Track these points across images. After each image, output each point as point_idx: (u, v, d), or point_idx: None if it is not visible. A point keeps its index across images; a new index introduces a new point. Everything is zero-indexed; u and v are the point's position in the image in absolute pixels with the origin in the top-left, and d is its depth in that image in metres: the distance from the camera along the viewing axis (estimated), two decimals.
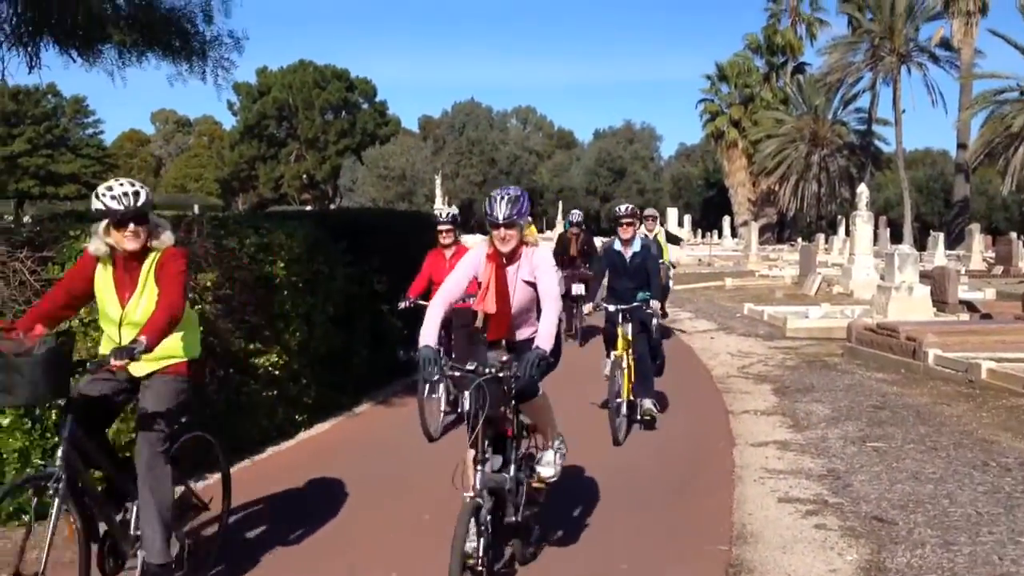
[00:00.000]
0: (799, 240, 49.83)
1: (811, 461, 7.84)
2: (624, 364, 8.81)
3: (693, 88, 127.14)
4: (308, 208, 61.20)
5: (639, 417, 9.05)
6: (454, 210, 9.78)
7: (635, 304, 8.98)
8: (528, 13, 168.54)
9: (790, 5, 62.50)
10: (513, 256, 5.27)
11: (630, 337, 8.98)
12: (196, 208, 49.71)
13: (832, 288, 24.41)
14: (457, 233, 9.32)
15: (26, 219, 7.83)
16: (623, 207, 9.49)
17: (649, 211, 15.41)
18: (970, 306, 18.68)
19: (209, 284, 7.32)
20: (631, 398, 9.01)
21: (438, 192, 57.68)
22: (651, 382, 9.20)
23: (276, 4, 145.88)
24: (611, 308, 9.07)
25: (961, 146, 51.66)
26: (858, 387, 11.26)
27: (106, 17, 9.37)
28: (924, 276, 18.81)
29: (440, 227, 9.30)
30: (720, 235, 60.30)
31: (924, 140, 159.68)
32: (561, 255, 14.93)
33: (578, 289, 14.77)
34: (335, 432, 9.20)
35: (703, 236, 65.21)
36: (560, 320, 5.44)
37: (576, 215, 16.35)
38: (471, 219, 73.84)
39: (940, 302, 17.91)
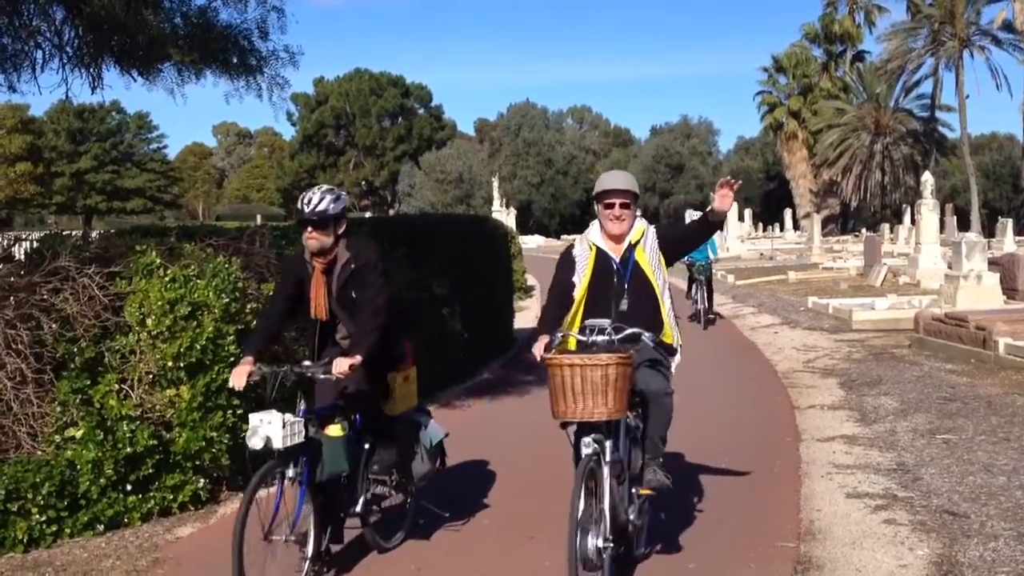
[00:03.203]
0: (863, 231, 49.10)
1: (879, 455, 7.72)
2: None
3: (750, 80, 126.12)
4: (367, 214, 61.81)
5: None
6: None
7: None
8: (581, 12, 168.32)
9: None
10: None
11: None
12: (259, 218, 50.57)
13: (898, 278, 23.98)
14: None
15: (94, 235, 8.03)
16: None
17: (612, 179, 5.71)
18: None
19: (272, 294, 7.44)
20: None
21: (495, 194, 57.83)
22: None
23: (331, 14, 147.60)
24: None
25: None
26: (927, 379, 11.06)
27: (165, 37, 9.56)
28: (993, 263, 18.39)
29: None
30: (782, 228, 59.66)
31: (990, 125, 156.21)
32: None
33: None
34: None
35: (764, 229, 64.53)
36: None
37: None
38: (530, 220, 74.06)
39: (1010, 289, 17.49)
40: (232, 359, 6.61)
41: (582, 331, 5.14)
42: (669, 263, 5.45)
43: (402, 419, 5.80)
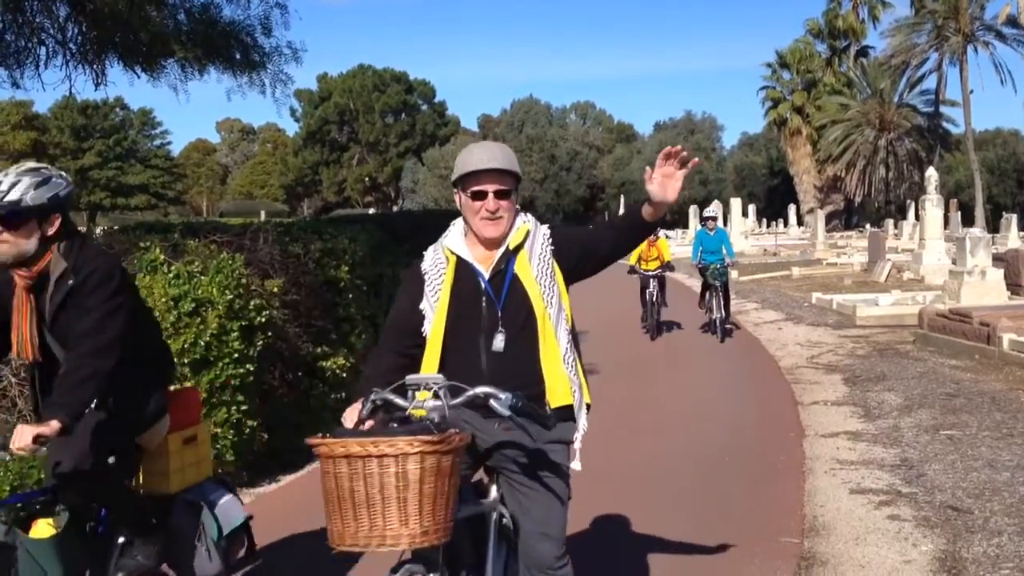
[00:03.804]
0: (867, 226, 49.05)
1: (883, 451, 7.72)
2: None
3: (754, 76, 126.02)
4: (371, 211, 61.82)
5: None
6: None
7: None
8: (584, 8, 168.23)
9: None
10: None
11: None
12: (263, 214, 50.64)
13: (902, 274, 23.98)
14: None
15: (98, 231, 8.07)
16: None
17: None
18: None
19: (276, 290, 7.45)
20: None
21: None
22: None
23: (334, 11, 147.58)
24: None
25: None
26: (931, 374, 11.06)
27: (168, 33, 9.60)
28: (997, 259, 18.37)
29: None
30: (786, 224, 59.63)
31: (994, 120, 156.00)
32: None
33: None
34: None
35: (768, 225, 64.55)
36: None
37: None
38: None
39: (1015, 285, 17.47)
40: (236, 355, 6.63)
41: (404, 392, 3.07)
42: (572, 280, 3.54)
43: (178, 501, 4.07)
